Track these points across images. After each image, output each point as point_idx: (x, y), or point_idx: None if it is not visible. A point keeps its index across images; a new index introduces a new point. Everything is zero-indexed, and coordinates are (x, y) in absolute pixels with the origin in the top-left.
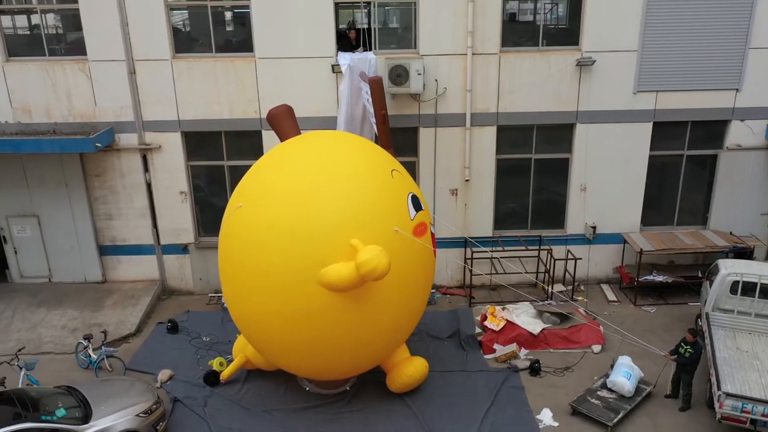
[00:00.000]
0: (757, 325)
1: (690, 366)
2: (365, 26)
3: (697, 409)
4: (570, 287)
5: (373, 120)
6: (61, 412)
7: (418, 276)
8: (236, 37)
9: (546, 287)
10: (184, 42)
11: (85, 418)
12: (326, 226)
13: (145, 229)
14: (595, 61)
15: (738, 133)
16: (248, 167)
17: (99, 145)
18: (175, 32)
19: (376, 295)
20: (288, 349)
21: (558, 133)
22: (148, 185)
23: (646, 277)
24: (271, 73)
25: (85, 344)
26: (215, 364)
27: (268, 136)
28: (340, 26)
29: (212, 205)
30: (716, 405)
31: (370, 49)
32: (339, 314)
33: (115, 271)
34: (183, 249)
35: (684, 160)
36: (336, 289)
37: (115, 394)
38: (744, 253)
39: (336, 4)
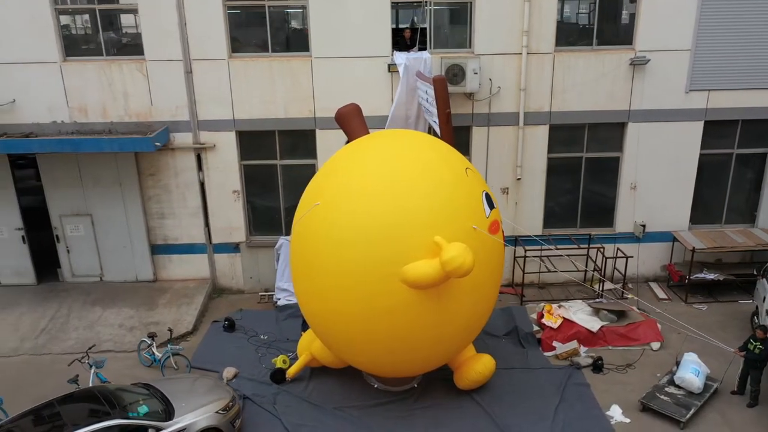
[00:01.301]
0: None
1: (760, 362)
2: (420, 26)
3: (766, 405)
4: (619, 285)
5: (435, 120)
6: (143, 409)
7: (491, 273)
8: (293, 37)
9: (594, 285)
10: (240, 42)
11: (168, 414)
12: (408, 223)
13: (197, 228)
14: (649, 60)
15: None
16: (301, 166)
17: (158, 144)
18: (232, 32)
19: (454, 292)
20: (366, 346)
21: (609, 132)
22: (202, 184)
23: (697, 275)
24: (326, 73)
25: (149, 342)
26: (278, 361)
27: (322, 136)
28: (401, 26)
29: (264, 204)
30: None
31: (425, 49)
32: (419, 311)
33: (166, 270)
34: (234, 248)
35: (733, 159)
36: (419, 286)
37: (192, 391)
38: None
39: (393, 4)
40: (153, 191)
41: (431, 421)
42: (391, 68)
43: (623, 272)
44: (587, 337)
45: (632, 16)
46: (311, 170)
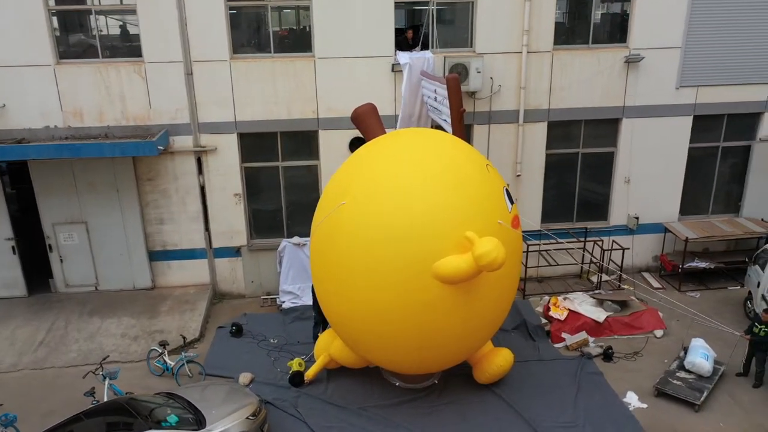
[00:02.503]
0: None
1: (765, 345)
2: (421, 25)
3: None
4: (613, 276)
5: (444, 119)
6: (173, 419)
7: (513, 267)
8: (295, 37)
9: (592, 278)
10: (242, 42)
11: (199, 423)
12: (439, 219)
13: (197, 233)
14: (643, 57)
15: None
16: (304, 167)
17: (161, 147)
18: (234, 32)
19: (482, 286)
20: (397, 343)
21: (604, 127)
22: (202, 188)
23: (689, 264)
24: (329, 73)
25: (161, 351)
26: (294, 364)
27: (325, 136)
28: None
29: (265, 207)
30: None
31: (427, 48)
32: (450, 306)
33: (165, 276)
34: (236, 252)
35: (719, 152)
36: (451, 281)
37: (219, 398)
38: None
39: (396, 3)
40: (151, 196)
41: (457, 415)
42: (395, 68)
43: (620, 264)
44: (594, 328)
45: (627, 16)
46: (314, 171)
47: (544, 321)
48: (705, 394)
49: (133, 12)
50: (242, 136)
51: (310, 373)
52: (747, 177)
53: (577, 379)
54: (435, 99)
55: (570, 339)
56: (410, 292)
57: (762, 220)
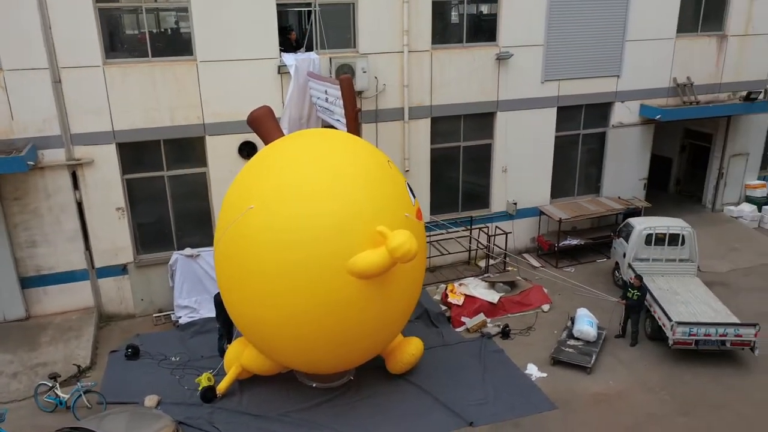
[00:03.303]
0: (667, 267)
1: (638, 307)
2: (291, 28)
3: (643, 343)
4: (498, 260)
5: (338, 119)
6: None
7: (421, 258)
8: (175, 40)
9: (478, 263)
10: (117, 46)
11: None
12: (350, 216)
13: (77, 253)
14: (512, 55)
15: (620, 113)
16: (192, 175)
17: (31, 163)
18: (107, 36)
19: (396, 279)
20: (316, 344)
21: (482, 121)
22: (79, 204)
23: (564, 242)
24: (213, 77)
25: (51, 384)
26: (203, 380)
27: (213, 142)
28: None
29: (152, 219)
30: (669, 334)
31: (311, 50)
32: (366, 301)
33: (41, 304)
34: (122, 270)
35: (580, 139)
36: (367, 275)
37: (132, 426)
38: (634, 212)
39: (278, 5)
40: (20, 217)
41: (379, 408)
42: (281, 70)
43: (504, 247)
44: (489, 309)
45: (496, 16)
46: (202, 179)
47: (444, 308)
48: (594, 357)
49: None
50: (122, 146)
51: (222, 387)
52: (604, 160)
53: (481, 358)
54: (326, 100)
55: (469, 322)
56: (327, 292)
57: (619, 197)
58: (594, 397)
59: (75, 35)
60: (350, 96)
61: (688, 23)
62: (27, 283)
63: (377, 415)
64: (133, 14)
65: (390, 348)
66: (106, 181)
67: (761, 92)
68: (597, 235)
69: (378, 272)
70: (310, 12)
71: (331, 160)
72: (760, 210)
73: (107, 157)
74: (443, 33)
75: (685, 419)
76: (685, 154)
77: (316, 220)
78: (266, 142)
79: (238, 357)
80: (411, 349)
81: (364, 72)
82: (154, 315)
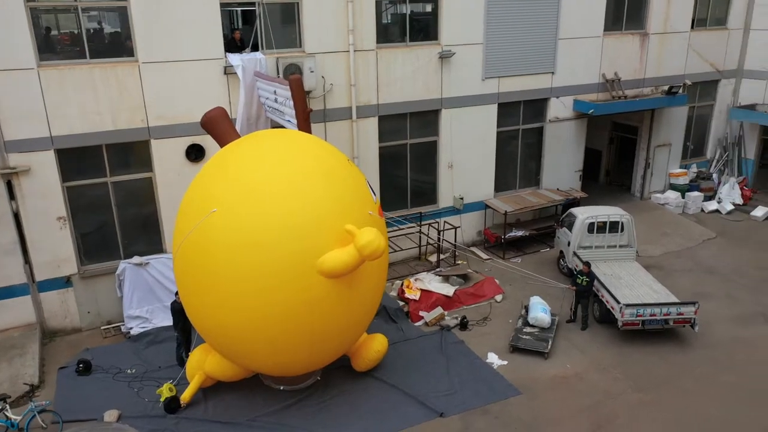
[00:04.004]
0: (608, 254)
1: (587, 293)
2: (251, 27)
3: (593, 326)
4: (447, 254)
5: (288, 119)
6: None
7: (385, 255)
8: (115, 41)
9: (429, 258)
10: (52, 48)
11: None
12: (316, 216)
13: (15, 267)
14: (454, 53)
15: (556, 108)
16: (137, 181)
17: None
18: (41, 37)
19: (362, 276)
20: (285, 346)
21: (427, 119)
22: (16, 215)
23: (510, 234)
24: (157, 78)
25: (0, 407)
26: (164, 391)
27: (158, 146)
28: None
29: (96, 228)
30: (618, 316)
31: (256, 50)
32: (335, 299)
33: None
34: (66, 282)
35: (520, 134)
36: (336, 274)
37: None
38: (573, 203)
39: (222, 4)
40: None
41: (348, 407)
42: (227, 70)
43: (453, 242)
44: (445, 302)
45: (437, 15)
46: (148, 184)
47: (401, 303)
48: (550, 342)
49: None
50: (61, 153)
51: (186, 396)
52: (542, 154)
53: (443, 350)
54: (275, 100)
55: (428, 316)
56: (296, 292)
57: (558, 189)
58: (553, 380)
59: (5, 36)
60: (300, 96)
61: (613, 22)
62: None
63: (349, 413)
64: (68, 14)
65: (356, 346)
66: (45, 189)
67: (681, 86)
68: (540, 225)
69: (347, 270)
70: (254, 11)
71: (293, 159)
72: (683, 197)
73: (45, 165)
74: (387, 32)
75: (639, 395)
76: (614, 146)
77: (280, 221)
78: (221, 144)
79: (201, 365)
80: (376, 345)
81: (312, 72)
82: (102, 327)
